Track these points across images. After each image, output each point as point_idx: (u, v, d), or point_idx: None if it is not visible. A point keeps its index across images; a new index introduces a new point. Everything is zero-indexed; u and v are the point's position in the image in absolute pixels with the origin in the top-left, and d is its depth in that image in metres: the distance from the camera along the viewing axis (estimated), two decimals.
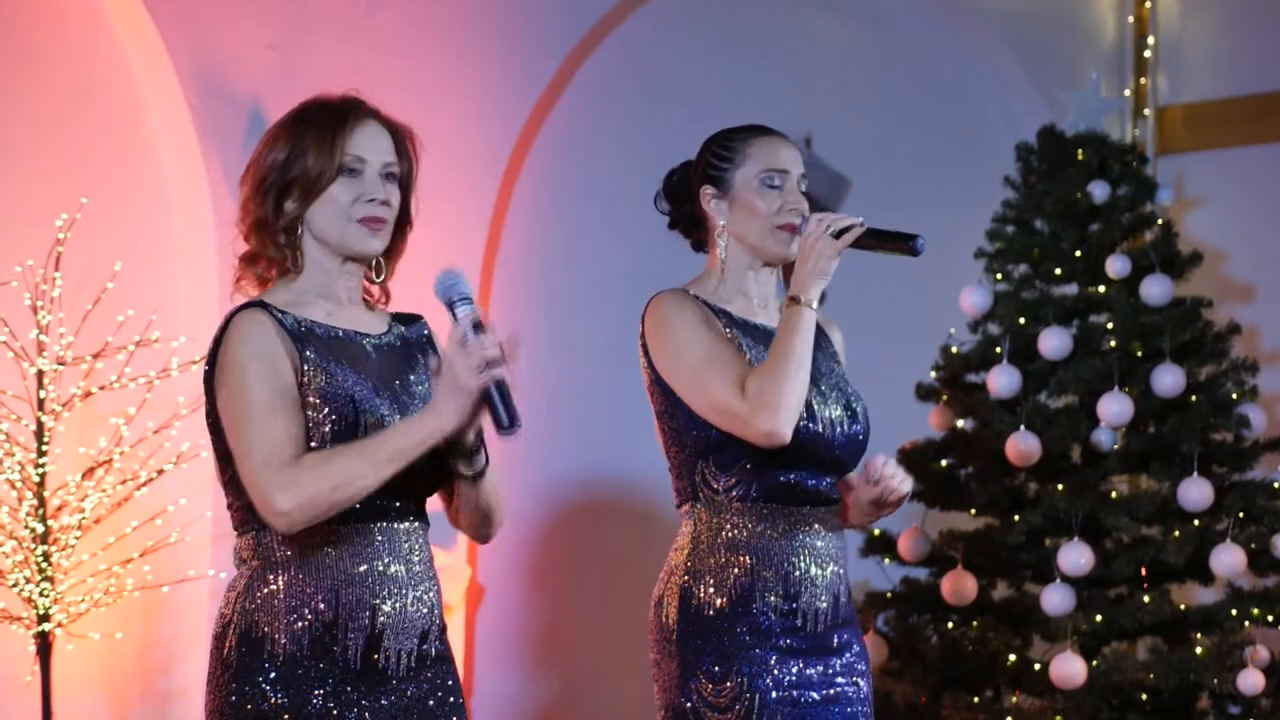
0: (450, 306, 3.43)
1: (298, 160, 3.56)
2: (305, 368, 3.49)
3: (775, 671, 4.03)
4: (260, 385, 3.46)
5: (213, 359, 3.53)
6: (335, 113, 3.60)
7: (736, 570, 4.07)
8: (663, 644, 4.12)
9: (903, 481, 4.08)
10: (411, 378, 3.63)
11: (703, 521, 4.12)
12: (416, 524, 3.58)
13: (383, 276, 3.69)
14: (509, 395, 3.36)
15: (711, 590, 4.07)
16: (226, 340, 3.50)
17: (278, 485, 3.38)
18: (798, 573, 4.08)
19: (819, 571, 4.11)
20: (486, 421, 3.44)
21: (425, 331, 3.75)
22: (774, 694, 4.02)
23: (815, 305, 4.03)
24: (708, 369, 4.03)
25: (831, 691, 4.10)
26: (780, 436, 3.96)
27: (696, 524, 4.13)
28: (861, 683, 4.18)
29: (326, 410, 3.46)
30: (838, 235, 4.04)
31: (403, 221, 3.67)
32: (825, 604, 4.10)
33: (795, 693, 4.05)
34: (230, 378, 3.48)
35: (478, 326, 3.38)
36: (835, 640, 4.13)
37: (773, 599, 4.06)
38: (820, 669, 4.09)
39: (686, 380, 4.07)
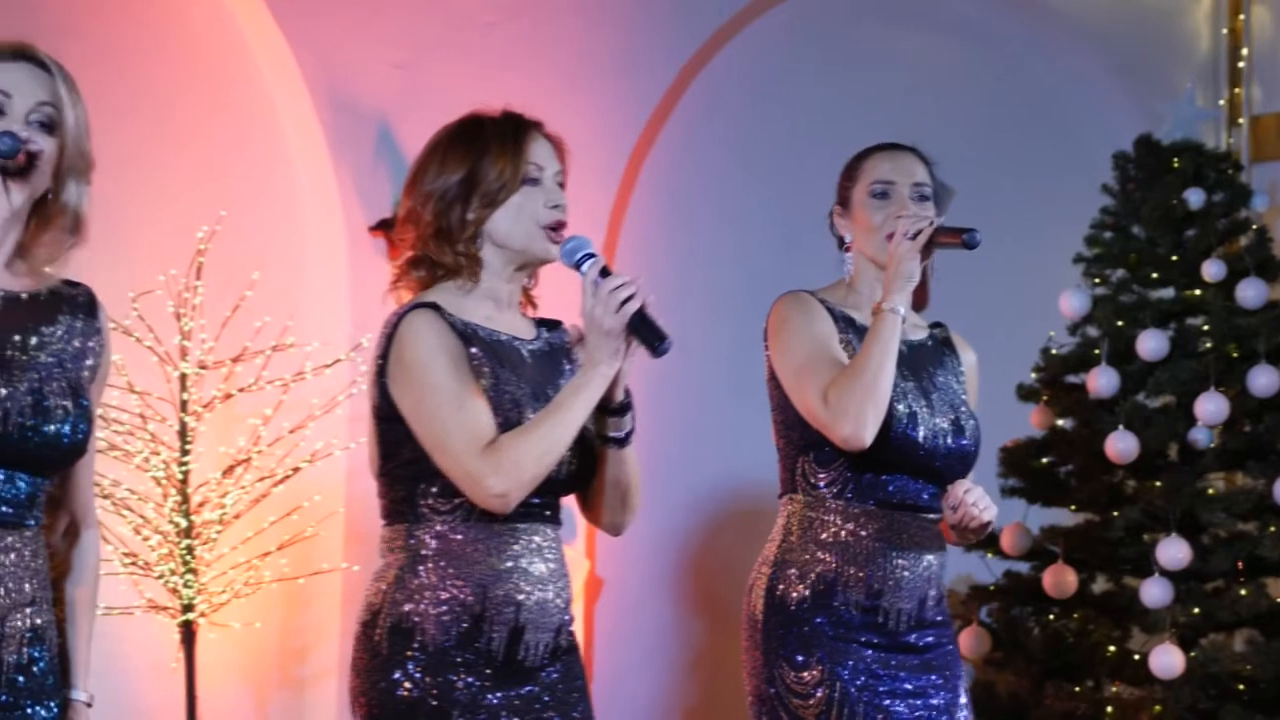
0: (577, 266, 3.49)
1: (481, 171, 3.57)
2: (472, 368, 3.51)
3: (857, 663, 4.03)
4: (447, 377, 3.47)
5: (384, 356, 3.53)
6: (509, 125, 3.62)
7: (821, 566, 4.08)
8: (750, 632, 4.15)
9: (984, 510, 4.03)
10: (561, 382, 3.62)
11: (796, 515, 4.14)
12: (552, 523, 3.59)
13: (532, 282, 3.71)
14: (651, 319, 3.45)
15: (796, 581, 4.09)
16: (400, 338, 3.50)
17: (489, 469, 3.41)
18: (882, 573, 4.07)
19: (905, 574, 4.10)
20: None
21: (565, 338, 3.76)
22: (855, 683, 4.02)
23: (899, 310, 4.02)
24: (806, 372, 4.06)
25: (916, 686, 4.09)
26: (859, 440, 3.97)
27: (790, 517, 4.16)
28: (959, 688, 4.15)
29: (491, 411, 3.48)
30: (913, 238, 4.05)
31: None
32: (909, 605, 4.09)
33: (875, 683, 4.04)
34: (413, 374, 3.49)
35: (604, 272, 3.45)
36: (918, 640, 4.12)
37: (855, 595, 4.06)
38: (904, 664, 4.08)
39: (790, 380, 4.11)
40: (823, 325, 4.14)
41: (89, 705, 3.29)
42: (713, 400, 6.80)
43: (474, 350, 3.52)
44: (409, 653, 3.49)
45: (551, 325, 3.77)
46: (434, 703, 3.46)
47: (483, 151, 3.59)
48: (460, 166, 3.59)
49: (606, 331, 3.44)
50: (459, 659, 3.48)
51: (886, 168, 4.24)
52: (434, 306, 3.54)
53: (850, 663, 4.03)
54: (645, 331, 3.44)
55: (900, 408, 4.05)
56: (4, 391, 3.07)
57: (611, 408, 3.56)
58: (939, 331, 4.34)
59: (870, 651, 4.05)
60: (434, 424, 3.46)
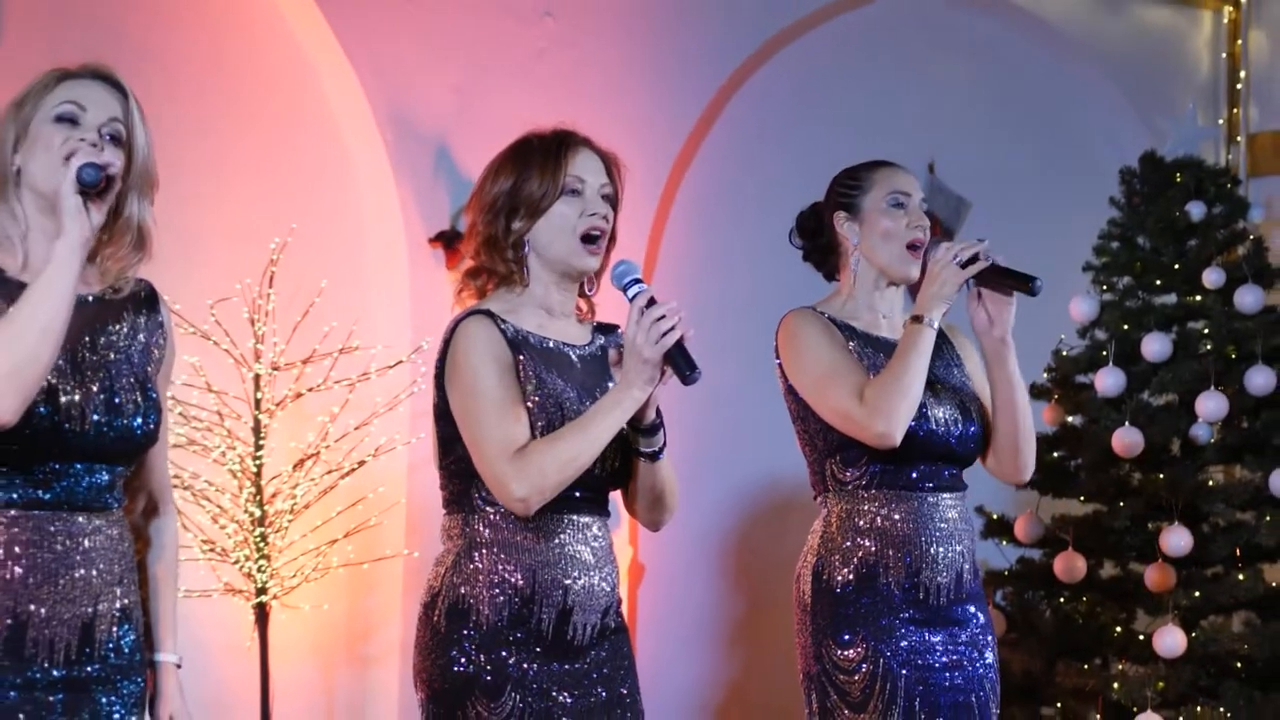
0: (625, 290, 3.47)
1: (525, 184, 3.58)
2: (520, 372, 3.52)
3: (898, 640, 4.03)
4: (492, 383, 3.48)
5: (443, 359, 3.55)
6: (554, 141, 3.62)
7: (862, 551, 4.07)
8: (800, 616, 4.14)
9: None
10: (610, 384, 3.62)
11: (834, 509, 4.13)
12: (599, 514, 3.60)
13: (593, 290, 3.70)
14: (686, 351, 3.40)
15: (840, 567, 4.08)
16: (456, 343, 3.53)
17: (513, 475, 3.41)
18: (918, 551, 4.06)
19: (940, 550, 4.09)
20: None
21: (619, 341, 3.74)
22: (898, 659, 4.02)
23: (935, 325, 4.01)
24: (829, 379, 4.04)
25: (952, 659, 4.08)
26: (891, 439, 3.96)
27: (829, 511, 4.14)
28: (987, 654, 4.16)
29: (536, 413, 3.49)
30: (964, 265, 4.02)
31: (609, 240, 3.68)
32: (946, 579, 4.08)
33: (917, 658, 4.04)
34: (463, 377, 3.51)
35: (650, 302, 3.42)
36: (958, 613, 4.11)
37: (895, 575, 4.05)
38: (942, 638, 4.07)
39: (811, 389, 4.09)
40: (832, 336, 4.13)
41: (179, 666, 3.35)
42: (751, 401, 6.79)
43: (522, 357, 3.53)
44: (465, 632, 3.50)
45: (609, 330, 3.77)
46: (488, 678, 3.47)
47: (527, 165, 3.60)
48: (508, 180, 3.60)
49: (645, 359, 3.41)
50: (511, 638, 3.49)
51: (902, 181, 4.22)
52: (488, 313, 3.56)
53: (892, 640, 4.03)
54: (679, 361, 3.40)
55: None
56: (79, 394, 3.12)
57: (643, 427, 3.55)
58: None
59: (912, 628, 4.05)
60: (473, 427, 3.48)
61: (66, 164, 3.09)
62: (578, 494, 3.53)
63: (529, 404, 3.51)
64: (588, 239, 3.58)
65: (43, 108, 3.17)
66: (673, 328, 3.40)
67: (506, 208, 3.60)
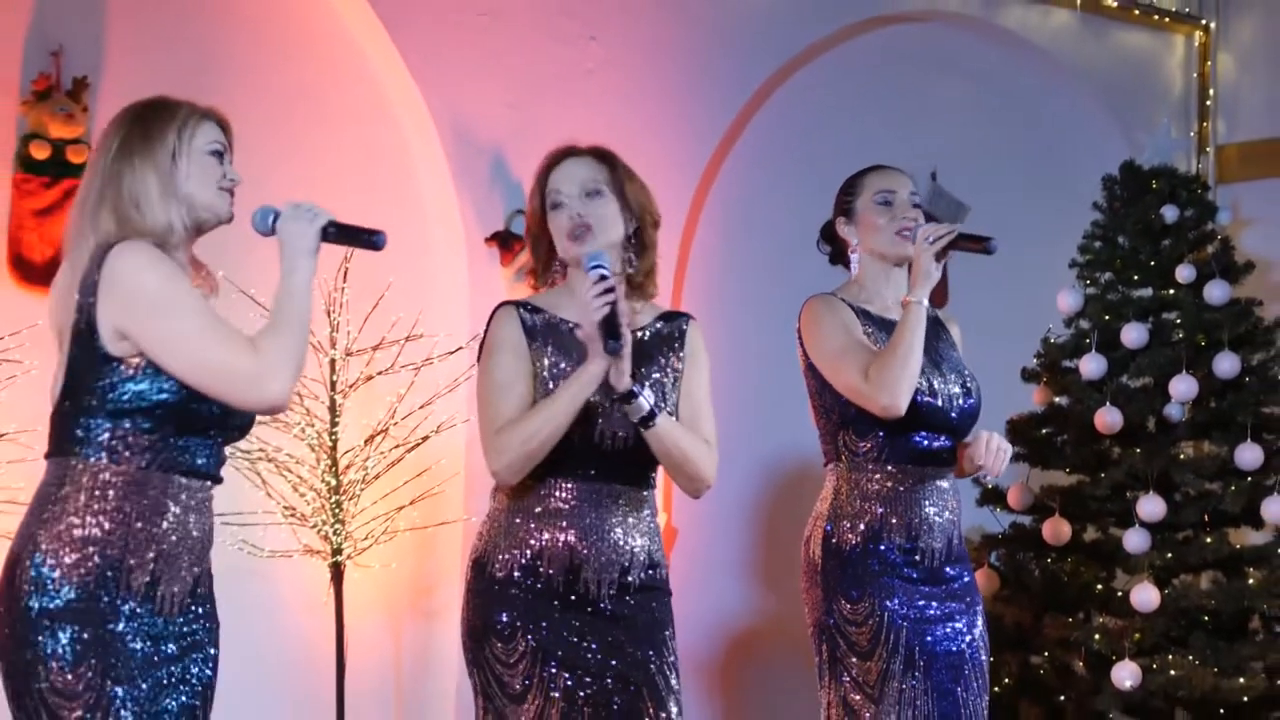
0: (588, 273, 3.52)
1: (531, 207, 3.75)
2: (534, 356, 3.59)
3: (899, 596, 4.08)
4: (498, 367, 3.58)
5: (482, 344, 3.68)
6: (542, 167, 3.73)
7: (869, 516, 4.12)
8: (810, 574, 4.18)
9: (998, 460, 4.13)
10: (642, 370, 3.66)
11: (843, 477, 4.18)
12: (629, 484, 3.64)
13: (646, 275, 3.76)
14: (614, 325, 3.42)
15: (848, 531, 4.13)
16: (488, 330, 3.65)
17: (492, 450, 3.54)
18: (918, 519, 4.12)
19: (936, 519, 4.14)
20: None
21: (684, 327, 3.79)
22: (900, 613, 4.08)
23: (924, 302, 4.05)
24: (843, 357, 4.10)
25: (944, 613, 4.14)
26: (896, 409, 4.01)
27: (838, 479, 4.19)
28: (975, 609, 4.21)
29: (546, 392, 3.56)
30: (933, 243, 4.07)
31: (641, 221, 3.72)
32: (940, 545, 4.14)
33: (915, 612, 4.10)
34: (482, 358, 3.64)
35: (600, 279, 3.47)
36: (948, 573, 4.17)
37: (897, 539, 4.11)
38: (936, 595, 4.14)
39: (827, 366, 4.15)
40: (848, 318, 4.19)
41: None
42: (777, 386, 6.79)
43: (536, 343, 3.60)
44: (487, 583, 3.60)
45: (675, 316, 3.81)
46: (502, 624, 3.56)
47: (531, 190, 3.76)
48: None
49: (589, 333, 3.47)
50: (526, 590, 3.57)
51: (888, 181, 4.27)
52: (514, 304, 3.67)
53: (895, 596, 4.08)
54: (605, 331, 3.43)
55: (921, 381, 4.08)
56: None
57: (617, 396, 3.55)
58: (928, 311, 4.33)
59: (910, 585, 4.11)
60: (479, 403, 3.61)
61: (220, 194, 3.26)
62: (594, 467, 3.58)
63: (539, 383, 3.56)
64: (569, 238, 3.64)
65: (197, 139, 3.26)
66: (610, 300, 3.44)
67: (530, 223, 3.76)
